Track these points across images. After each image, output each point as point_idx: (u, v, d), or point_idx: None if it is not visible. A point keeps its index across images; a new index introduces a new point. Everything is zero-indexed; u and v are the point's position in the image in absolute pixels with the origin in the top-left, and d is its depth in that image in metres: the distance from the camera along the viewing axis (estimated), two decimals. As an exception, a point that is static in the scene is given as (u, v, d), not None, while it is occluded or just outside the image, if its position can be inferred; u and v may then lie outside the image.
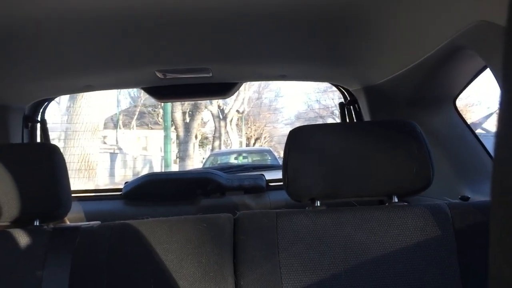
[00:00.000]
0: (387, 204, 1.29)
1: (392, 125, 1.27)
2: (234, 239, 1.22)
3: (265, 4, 1.14)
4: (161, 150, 13.51)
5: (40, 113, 2.04)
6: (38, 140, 2.03)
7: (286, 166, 1.25)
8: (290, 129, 1.31)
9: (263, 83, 16.30)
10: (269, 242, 1.19)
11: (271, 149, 9.70)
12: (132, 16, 1.16)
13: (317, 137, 1.26)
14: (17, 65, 1.49)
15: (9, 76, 1.58)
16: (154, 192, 2.06)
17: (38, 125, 2.04)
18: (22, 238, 1.18)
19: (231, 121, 17.01)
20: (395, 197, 1.28)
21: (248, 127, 21.24)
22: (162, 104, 10.47)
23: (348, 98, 2.06)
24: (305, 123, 1.40)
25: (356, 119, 2.03)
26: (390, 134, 1.25)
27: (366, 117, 1.91)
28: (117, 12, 1.12)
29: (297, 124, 1.54)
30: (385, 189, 1.25)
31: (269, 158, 8.32)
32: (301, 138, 1.26)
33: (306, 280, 1.15)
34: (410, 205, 1.25)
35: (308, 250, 1.18)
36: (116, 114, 17.01)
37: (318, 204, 1.28)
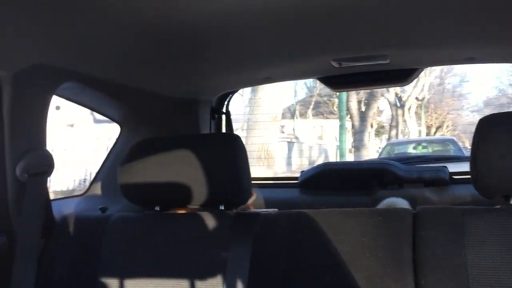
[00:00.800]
0: None
1: None
2: (413, 235, 1.15)
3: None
4: (336, 140, 13.57)
5: (225, 105, 2.21)
6: (224, 130, 2.19)
7: (475, 158, 1.13)
8: (478, 116, 1.18)
9: (445, 67, 15.10)
10: (454, 240, 1.10)
11: (454, 138, 8.98)
12: (308, 5, 1.16)
13: None
14: (206, 60, 1.63)
15: (199, 71, 1.74)
16: (330, 181, 2.07)
17: (224, 116, 2.20)
18: (210, 221, 1.28)
19: (409, 109, 16.17)
20: None
21: (429, 115, 19.94)
22: (337, 93, 10.48)
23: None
24: (495, 110, 1.24)
25: None
26: None
27: None
28: (294, 2, 1.14)
29: (486, 112, 1.38)
30: None
31: (453, 148, 7.71)
32: (494, 127, 1.13)
33: (498, 286, 1.03)
34: None
35: (502, 253, 1.05)
36: (293, 104, 17.59)
37: (514, 202, 1.13)
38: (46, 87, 1.33)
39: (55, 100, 1.43)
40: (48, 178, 1.37)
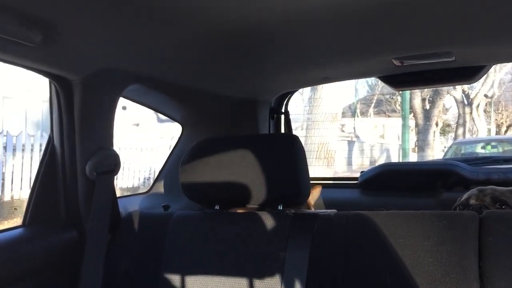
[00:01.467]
0: None
1: None
2: (479, 240, 1.10)
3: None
4: (398, 139, 13.21)
5: (284, 105, 2.21)
6: (282, 130, 2.20)
7: None
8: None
9: (517, 62, 14.26)
10: None
11: (527, 137, 8.47)
12: (368, 3, 1.14)
13: None
14: (266, 61, 1.64)
15: (259, 72, 1.75)
16: (391, 182, 2.02)
17: (283, 116, 2.21)
18: (268, 221, 1.29)
19: (477, 106, 15.44)
20: None
21: (499, 113, 18.94)
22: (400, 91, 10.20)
23: None
24: None
25: None
26: None
27: None
28: (354, 2, 1.12)
29: None
30: None
31: (525, 148, 7.27)
32: None
33: None
34: None
35: None
36: (353, 102, 17.30)
37: None
38: (113, 90, 1.40)
39: (122, 101, 1.50)
40: (115, 176, 1.44)
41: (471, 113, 15.30)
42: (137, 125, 10.69)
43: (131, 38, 1.25)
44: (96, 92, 1.35)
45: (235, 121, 1.95)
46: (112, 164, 1.38)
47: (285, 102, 2.19)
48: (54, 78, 1.31)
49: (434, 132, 13.99)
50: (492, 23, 1.31)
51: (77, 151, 1.34)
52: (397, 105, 16.09)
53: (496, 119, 18.60)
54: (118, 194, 1.54)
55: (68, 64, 1.27)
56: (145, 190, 1.97)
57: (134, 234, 1.43)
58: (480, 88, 15.00)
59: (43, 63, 1.23)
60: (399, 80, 1.87)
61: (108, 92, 1.38)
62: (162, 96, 1.73)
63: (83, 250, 1.30)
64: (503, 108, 18.88)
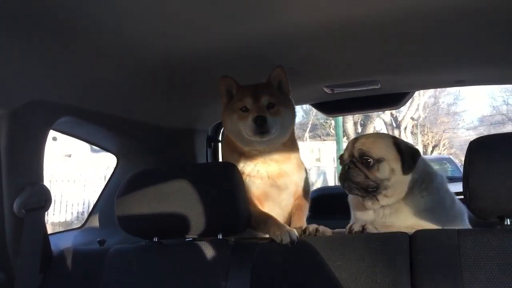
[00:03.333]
0: None
1: None
2: (410, 259, 1.15)
3: (440, 8, 1.06)
4: (334, 161, 13.58)
5: (221, 133, 2.23)
6: (220, 158, 2.20)
7: (467, 180, 1.14)
8: (473, 134, 1.19)
9: (439, 86, 15.23)
10: (450, 263, 1.10)
11: (451, 157, 9.01)
12: (299, 34, 1.19)
13: (505, 148, 1.12)
14: (200, 91, 1.66)
15: (194, 102, 1.76)
16: (327, 206, 2.07)
17: (220, 144, 2.22)
18: (208, 250, 1.28)
19: (405, 128, 16.26)
20: None
21: (425, 134, 20.03)
22: (333, 116, 10.55)
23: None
24: (490, 128, 1.25)
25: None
26: None
27: None
28: (284, 31, 1.17)
29: (481, 129, 1.40)
30: None
31: (450, 167, 7.72)
32: (485, 149, 1.14)
33: (496, 308, 1.03)
34: None
35: (498, 274, 1.05)
36: (290, 127, 17.62)
37: (509, 223, 1.14)
38: (43, 123, 1.35)
39: (52, 132, 1.45)
40: (46, 212, 1.37)
41: (399, 135, 16.08)
42: (69, 156, 10.28)
43: (61, 71, 1.22)
44: (25, 126, 1.29)
45: (172, 150, 1.94)
46: (43, 200, 1.32)
47: (222, 130, 2.21)
48: (-22, 112, 1.25)
49: (367, 154, 14.49)
50: (412, 54, 1.41)
51: (4, 188, 1.27)
52: (331, 129, 16.60)
53: (422, 140, 19.64)
54: (49, 230, 1.47)
55: (-6, 97, 1.21)
56: (79, 225, 1.90)
57: (68, 273, 1.37)
58: (406, 112, 15.84)
59: (-35, 97, 1.17)
60: (331, 107, 1.94)
61: (37, 125, 1.33)
62: (95, 128, 1.68)
63: (13, 293, 1.22)
64: (429, 130, 20.00)
